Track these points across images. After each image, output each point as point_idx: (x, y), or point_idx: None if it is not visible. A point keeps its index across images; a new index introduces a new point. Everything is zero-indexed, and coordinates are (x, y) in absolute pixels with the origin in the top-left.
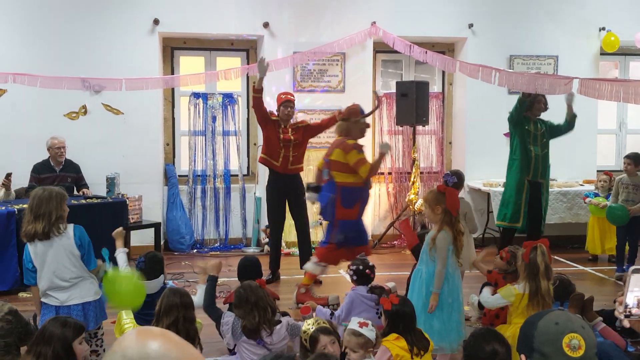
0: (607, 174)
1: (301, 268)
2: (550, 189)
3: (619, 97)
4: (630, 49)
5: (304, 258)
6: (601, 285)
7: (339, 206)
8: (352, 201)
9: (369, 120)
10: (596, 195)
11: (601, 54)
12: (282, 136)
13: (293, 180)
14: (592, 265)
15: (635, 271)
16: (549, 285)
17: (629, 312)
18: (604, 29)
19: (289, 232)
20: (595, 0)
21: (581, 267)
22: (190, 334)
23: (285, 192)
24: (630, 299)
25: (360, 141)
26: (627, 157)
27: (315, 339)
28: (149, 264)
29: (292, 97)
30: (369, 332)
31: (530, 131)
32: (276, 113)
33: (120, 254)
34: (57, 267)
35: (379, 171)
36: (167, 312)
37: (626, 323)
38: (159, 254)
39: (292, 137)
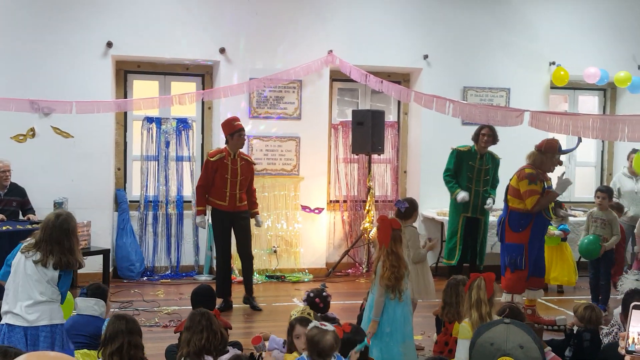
0: (561, 205)
1: (245, 294)
2: None
3: (568, 130)
4: (579, 83)
5: (247, 287)
6: (551, 314)
7: (508, 229)
8: (520, 226)
9: (562, 157)
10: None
11: (551, 87)
12: (230, 169)
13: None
14: (542, 294)
15: (637, 307)
16: (478, 317)
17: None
18: (554, 63)
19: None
20: (546, 35)
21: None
22: None
23: (230, 219)
24: (633, 334)
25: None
26: (600, 190)
27: (292, 326)
28: (92, 296)
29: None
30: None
31: (474, 167)
32: (225, 143)
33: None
34: (27, 281)
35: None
36: (112, 338)
37: (628, 359)
38: (103, 285)
39: (239, 171)
